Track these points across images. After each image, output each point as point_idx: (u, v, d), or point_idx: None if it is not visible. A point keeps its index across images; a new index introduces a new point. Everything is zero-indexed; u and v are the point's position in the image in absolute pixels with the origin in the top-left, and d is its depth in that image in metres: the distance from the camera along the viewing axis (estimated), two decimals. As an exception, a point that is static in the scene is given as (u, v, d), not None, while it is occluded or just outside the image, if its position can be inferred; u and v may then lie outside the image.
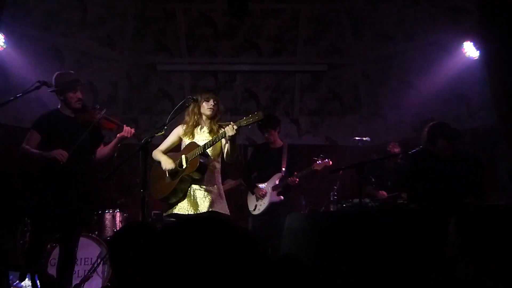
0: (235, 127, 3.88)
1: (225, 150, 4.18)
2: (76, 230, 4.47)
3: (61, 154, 4.19)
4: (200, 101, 4.28)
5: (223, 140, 4.15)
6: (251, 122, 3.90)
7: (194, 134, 4.31)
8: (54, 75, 4.48)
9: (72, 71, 4.72)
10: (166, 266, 0.81)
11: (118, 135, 4.44)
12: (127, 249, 2.16)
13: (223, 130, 4.00)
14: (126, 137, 4.45)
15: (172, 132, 4.44)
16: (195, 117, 4.30)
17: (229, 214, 4.31)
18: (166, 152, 4.42)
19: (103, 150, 4.55)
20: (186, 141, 4.33)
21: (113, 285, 2.32)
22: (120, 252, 2.21)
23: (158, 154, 4.39)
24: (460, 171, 4.36)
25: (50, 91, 4.45)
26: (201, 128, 4.33)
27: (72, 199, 4.31)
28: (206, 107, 4.27)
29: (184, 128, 4.35)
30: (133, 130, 4.46)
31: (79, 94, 4.43)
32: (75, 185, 4.34)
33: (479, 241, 2.35)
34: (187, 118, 4.34)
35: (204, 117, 4.32)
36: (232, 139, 3.99)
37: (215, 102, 4.29)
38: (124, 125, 4.47)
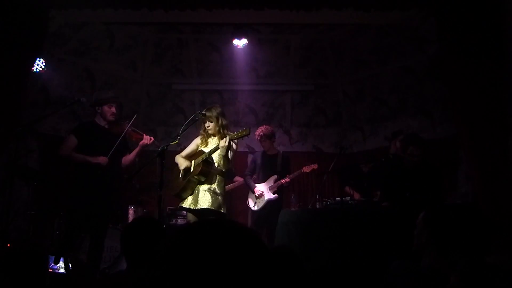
0: (226, 140, 3.98)
1: (221, 161, 4.23)
2: (104, 223, 4.45)
3: (104, 160, 4.23)
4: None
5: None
6: (240, 136, 4.03)
7: (207, 143, 4.36)
8: (95, 93, 4.54)
9: (110, 90, 4.75)
10: (184, 258, 0.81)
11: (140, 143, 4.45)
12: (135, 239, 2.19)
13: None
14: (147, 144, 4.46)
15: (192, 141, 4.50)
16: (205, 133, 4.36)
17: (224, 212, 4.28)
18: (186, 157, 4.47)
19: (128, 157, 4.55)
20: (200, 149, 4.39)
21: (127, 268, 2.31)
22: (129, 240, 2.23)
23: (178, 158, 4.48)
24: (422, 177, 4.35)
25: (90, 105, 4.46)
26: (212, 139, 4.38)
27: (101, 197, 4.30)
28: (206, 127, 4.32)
29: (200, 140, 4.42)
30: (152, 138, 4.46)
31: (113, 109, 4.44)
32: (104, 185, 4.33)
33: (442, 233, 2.34)
34: (201, 133, 4.41)
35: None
36: (224, 150, 4.03)
37: (210, 122, 4.29)
38: (144, 134, 4.49)
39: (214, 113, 4.30)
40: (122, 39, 6.85)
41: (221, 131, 4.29)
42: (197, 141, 4.45)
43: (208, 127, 4.30)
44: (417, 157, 4.34)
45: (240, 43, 6.19)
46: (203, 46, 7.27)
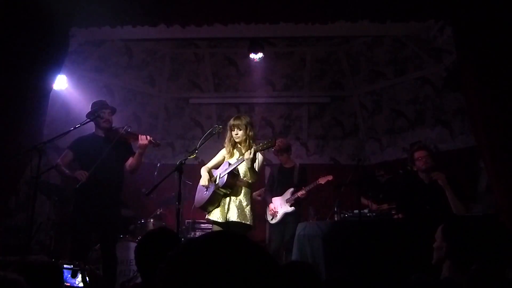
0: (251, 151, 3.91)
1: (248, 173, 4.16)
2: (112, 233, 4.39)
3: (81, 174, 4.22)
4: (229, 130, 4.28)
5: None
6: (265, 147, 3.93)
7: (232, 154, 4.32)
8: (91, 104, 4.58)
9: (103, 99, 4.77)
10: (186, 275, 0.81)
11: (137, 145, 4.41)
12: (151, 252, 2.16)
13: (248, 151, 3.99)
14: (146, 144, 4.37)
15: (219, 152, 4.44)
16: (230, 143, 4.30)
17: (250, 224, 4.17)
18: (212, 168, 4.42)
19: (131, 161, 4.50)
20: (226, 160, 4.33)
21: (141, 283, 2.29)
22: (144, 254, 2.21)
23: (202, 170, 4.39)
24: (441, 189, 4.28)
25: (86, 117, 4.44)
26: (238, 150, 4.32)
27: (104, 206, 4.28)
28: (233, 135, 4.25)
29: (226, 150, 4.37)
30: (148, 137, 4.39)
31: (106, 116, 4.48)
32: (106, 194, 4.31)
33: (461, 245, 2.32)
34: (226, 143, 4.34)
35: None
36: (250, 162, 3.96)
37: (239, 130, 4.22)
38: (139, 135, 4.42)
39: (243, 121, 4.24)
40: (140, 55, 6.99)
41: (247, 140, 4.21)
42: (224, 152, 4.39)
43: (236, 135, 4.22)
44: (424, 158, 4.37)
45: (256, 56, 6.24)
46: (219, 60, 7.37)
